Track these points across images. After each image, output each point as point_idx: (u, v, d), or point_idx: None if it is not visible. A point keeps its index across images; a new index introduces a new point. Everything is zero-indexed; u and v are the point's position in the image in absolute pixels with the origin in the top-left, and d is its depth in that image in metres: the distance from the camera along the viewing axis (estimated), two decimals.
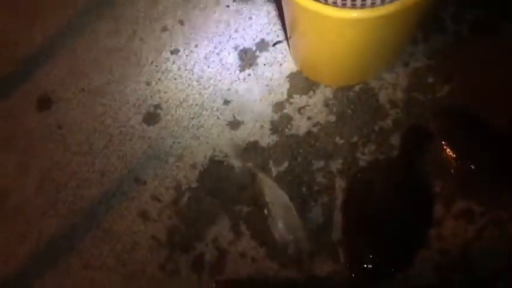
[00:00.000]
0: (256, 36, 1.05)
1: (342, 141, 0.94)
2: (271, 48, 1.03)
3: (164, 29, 1.09)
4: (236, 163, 0.95)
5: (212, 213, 0.92)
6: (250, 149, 0.96)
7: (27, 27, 1.12)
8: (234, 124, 0.98)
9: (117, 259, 0.91)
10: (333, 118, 0.96)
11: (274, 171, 0.94)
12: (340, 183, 0.91)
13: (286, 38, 1.02)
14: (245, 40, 1.05)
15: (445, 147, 0.90)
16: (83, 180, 0.98)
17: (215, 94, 1.02)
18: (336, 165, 0.93)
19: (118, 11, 1.11)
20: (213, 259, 0.90)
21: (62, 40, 1.10)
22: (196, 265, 0.90)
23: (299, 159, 0.94)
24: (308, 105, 0.98)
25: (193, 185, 0.95)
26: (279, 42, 1.02)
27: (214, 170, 0.95)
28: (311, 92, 0.99)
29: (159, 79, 1.05)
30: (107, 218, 0.94)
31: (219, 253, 0.90)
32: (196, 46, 1.06)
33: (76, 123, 1.03)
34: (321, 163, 0.93)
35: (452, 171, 0.89)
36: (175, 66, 1.05)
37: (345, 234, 0.88)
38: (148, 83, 1.05)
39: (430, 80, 0.96)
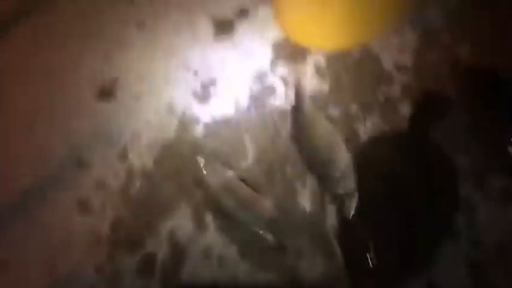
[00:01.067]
0: (235, 5, 0.89)
1: (336, 112, 0.75)
2: (251, 16, 0.87)
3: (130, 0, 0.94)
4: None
5: (170, 201, 0.72)
6: (221, 126, 0.76)
7: None
8: (204, 97, 0.80)
9: (44, 259, 0.70)
10: (326, 87, 0.77)
11: (250, 149, 0.74)
12: None
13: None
14: (223, 9, 0.89)
15: (466, 114, 0.70)
16: (14, 161, 0.79)
17: (183, 65, 0.84)
18: None
19: None
20: (167, 259, 0.68)
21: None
22: (145, 267, 0.68)
23: (284, 136, 0.74)
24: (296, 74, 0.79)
25: (149, 168, 0.75)
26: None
27: (176, 151, 0.76)
28: (300, 60, 0.81)
29: (120, 51, 0.88)
30: (38, 208, 0.74)
31: (176, 251, 0.68)
32: (166, 16, 0.90)
33: (16, 100, 0.86)
34: None
35: (478, 141, 0.68)
36: (139, 39, 0.89)
37: (341, 225, 0.66)
38: (106, 56, 0.88)
39: (446, 40, 0.77)
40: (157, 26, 0.89)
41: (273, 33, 0.84)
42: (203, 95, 0.80)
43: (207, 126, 0.77)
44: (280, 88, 0.79)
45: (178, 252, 0.68)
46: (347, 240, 0.64)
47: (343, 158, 0.65)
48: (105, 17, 0.92)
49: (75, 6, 0.94)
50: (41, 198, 0.75)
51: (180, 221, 0.70)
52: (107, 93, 0.84)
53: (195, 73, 0.82)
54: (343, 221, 0.65)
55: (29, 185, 0.76)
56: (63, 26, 0.93)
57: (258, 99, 0.78)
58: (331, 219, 0.66)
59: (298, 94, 0.72)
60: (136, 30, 0.90)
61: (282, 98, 0.78)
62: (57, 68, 0.88)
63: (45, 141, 0.80)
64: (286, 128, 0.74)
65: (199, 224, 0.69)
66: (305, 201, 0.68)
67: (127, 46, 0.88)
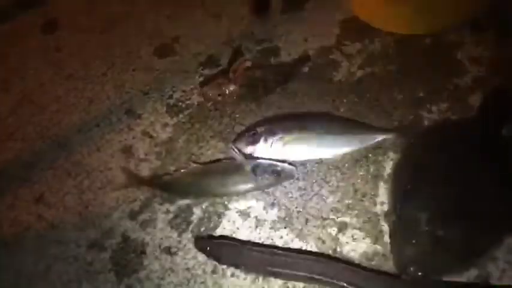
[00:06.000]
0: None
1: (401, 96, 0.71)
2: None
3: None
4: None
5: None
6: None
7: None
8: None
9: (79, 197, 0.68)
10: (392, 69, 0.74)
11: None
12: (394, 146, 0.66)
13: None
14: None
15: None
16: (66, 105, 0.79)
17: (246, 33, 0.83)
18: (391, 121, 0.68)
19: None
20: (204, 214, 0.65)
21: None
22: (180, 219, 0.65)
23: (341, 110, 0.71)
24: (362, 53, 0.76)
25: (197, 126, 0.73)
26: None
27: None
28: (366, 40, 0.78)
29: (185, 13, 0.88)
30: (81, 149, 0.73)
31: (214, 208, 0.65)
32: None
33: (77, 48, 0.87)
34: (370, 118, 0.69)
35: None
36: (204, 4, 0.89)
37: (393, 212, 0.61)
38: (171, 16, 0.88)
39: None
40: None
41: (341, 12, 0.81)
42: (263, 62, 0.78)
43: None
44: (344, 63, 0.75)
45: (216, 208, 0.65)
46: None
47: None
48: None
49: None
50: (85, 141, 0.74)
51: None
52: (166, 49, 0.83)
53: (258, 42, 0.81)
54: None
55: (76, 128, 0.76)
56: None
57: (318, 71, 0.75)
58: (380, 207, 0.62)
59: None
60: None
61: (344, 73, 0.74)
62: (122, 22, 0.89)
63: (98, 89, 0.80)
64: (343, 103, 0.71)
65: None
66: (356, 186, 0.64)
67: (192, 9, 0.88)
